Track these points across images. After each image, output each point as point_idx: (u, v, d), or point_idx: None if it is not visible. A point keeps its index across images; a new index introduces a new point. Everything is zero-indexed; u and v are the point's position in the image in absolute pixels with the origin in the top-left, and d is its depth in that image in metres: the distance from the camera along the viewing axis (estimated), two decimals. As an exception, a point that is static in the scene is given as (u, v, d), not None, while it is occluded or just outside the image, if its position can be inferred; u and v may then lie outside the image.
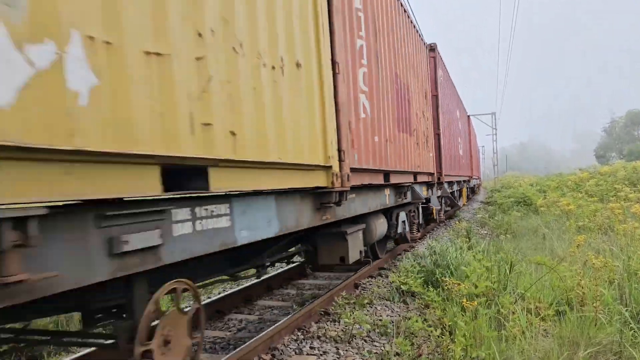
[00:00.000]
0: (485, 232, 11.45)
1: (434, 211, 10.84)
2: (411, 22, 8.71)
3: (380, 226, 6.54)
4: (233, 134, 2.70)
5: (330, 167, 4.09)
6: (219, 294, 6.10)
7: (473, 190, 26.93)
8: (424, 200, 9.25)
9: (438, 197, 11.29)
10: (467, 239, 8.09)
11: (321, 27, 4.03)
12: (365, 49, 5.56)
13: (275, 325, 4.23)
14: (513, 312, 4.07)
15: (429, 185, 9.90)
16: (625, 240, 6.37)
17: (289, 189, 3.51)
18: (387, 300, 5.54)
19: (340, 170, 4.27)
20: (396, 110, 6.93)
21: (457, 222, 12.01)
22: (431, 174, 9.83)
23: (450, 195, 13.56)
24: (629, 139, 76.82)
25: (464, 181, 19.11)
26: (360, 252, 5.64)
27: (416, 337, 4.19)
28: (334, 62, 4.29)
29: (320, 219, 4.27)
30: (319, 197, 4.17)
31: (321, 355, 3.90)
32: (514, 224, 11.21)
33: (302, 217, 3.92)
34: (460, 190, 17.65)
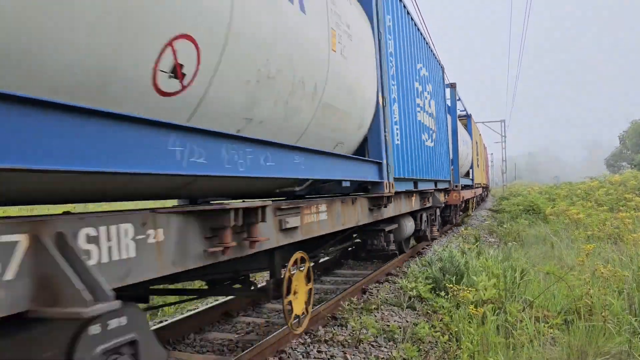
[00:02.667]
0: (494, 239, 11.41)
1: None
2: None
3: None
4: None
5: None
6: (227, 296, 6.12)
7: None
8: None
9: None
10: (476, 246, 8.08)
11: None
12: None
13: (283, 328, 4.25)
14: (521, 320, 4.07)
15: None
16: (635, 250, 6.33)
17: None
18: (394, 305, 5.55)
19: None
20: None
21: (465, 229, 11.97)
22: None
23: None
24: (638, 149, 75.76)
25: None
26: None
27: (423, 343, 4.20)
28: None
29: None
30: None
31: (328, 359, 3.92)
32: (523, 232, 11.16)
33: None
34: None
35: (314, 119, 3.84)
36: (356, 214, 4.81)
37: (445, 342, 4.04)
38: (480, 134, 24.99)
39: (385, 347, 4.20)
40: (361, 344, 4.23)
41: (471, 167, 17.30)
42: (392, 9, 6.34)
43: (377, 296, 5.93)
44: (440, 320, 4.69)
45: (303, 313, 3.89)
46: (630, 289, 4.73)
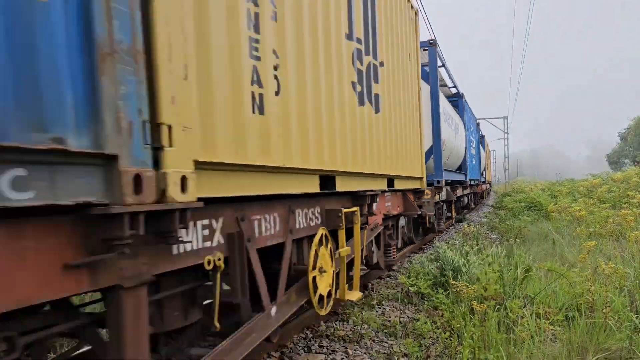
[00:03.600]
0: (495, 236, 11.42)
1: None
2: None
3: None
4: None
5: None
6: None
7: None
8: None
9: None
10: (476, 242, 8.08)
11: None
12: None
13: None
14: (522, 317, 4.08)
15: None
16: (637, 247, 6.32)
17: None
18: (395, 301, 5.56)
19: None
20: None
21: (466, 226, 11.98)
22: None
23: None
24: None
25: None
26: None
27: (424, 338, 4.21)
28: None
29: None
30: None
31: (330, 354, 3.94)
32: (524, 228, 11.16)
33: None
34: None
35: (455, 162, 13.15)
36: (461, 190, 14.41)
37: (446, 338, 4.05)
38: (488, 144, 34.15)
39: (386, 343, 4.22)
40: (362, 339, 4.25)
41: (484, 169, 26.88)
42: (466, 108, 15.45)
43: (378, 291, 5.95)
44: (441, 316, 4.70)
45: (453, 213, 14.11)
46: (631, 286, 4.73)
